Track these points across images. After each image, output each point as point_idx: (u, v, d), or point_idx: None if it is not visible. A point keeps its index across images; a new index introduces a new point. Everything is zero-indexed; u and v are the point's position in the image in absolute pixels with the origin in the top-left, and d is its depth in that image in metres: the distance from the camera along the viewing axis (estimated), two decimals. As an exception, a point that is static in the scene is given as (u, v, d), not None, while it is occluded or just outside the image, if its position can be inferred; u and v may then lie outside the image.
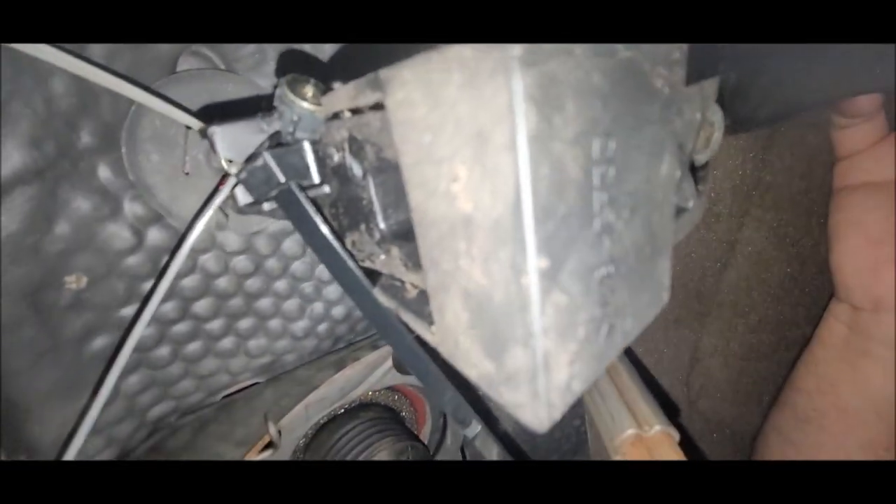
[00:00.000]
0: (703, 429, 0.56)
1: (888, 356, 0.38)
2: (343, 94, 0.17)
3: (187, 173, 0.25)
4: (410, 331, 0.20)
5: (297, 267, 0.31)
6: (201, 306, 0.29)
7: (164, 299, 0.25)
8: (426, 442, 0.41)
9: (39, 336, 0.24)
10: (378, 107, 0.16)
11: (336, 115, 0.19)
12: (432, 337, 0.17)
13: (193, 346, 0.30)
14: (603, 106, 0.11)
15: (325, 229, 0.20)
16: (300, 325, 0.33)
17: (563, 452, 0.46)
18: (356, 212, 0.20)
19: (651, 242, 0.15)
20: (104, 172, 0.23)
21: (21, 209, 0.21)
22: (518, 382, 0.12)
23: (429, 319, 0.17)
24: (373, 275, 0.21)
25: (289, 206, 0.20)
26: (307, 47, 0.26)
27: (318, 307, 0.33)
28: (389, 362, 0.33)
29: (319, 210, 0.20)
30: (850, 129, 0.38)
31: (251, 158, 0.19)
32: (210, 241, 0.28)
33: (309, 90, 0.19)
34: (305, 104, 0.19)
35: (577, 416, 0.46)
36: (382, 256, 0.20)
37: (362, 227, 0.20)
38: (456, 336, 0.15)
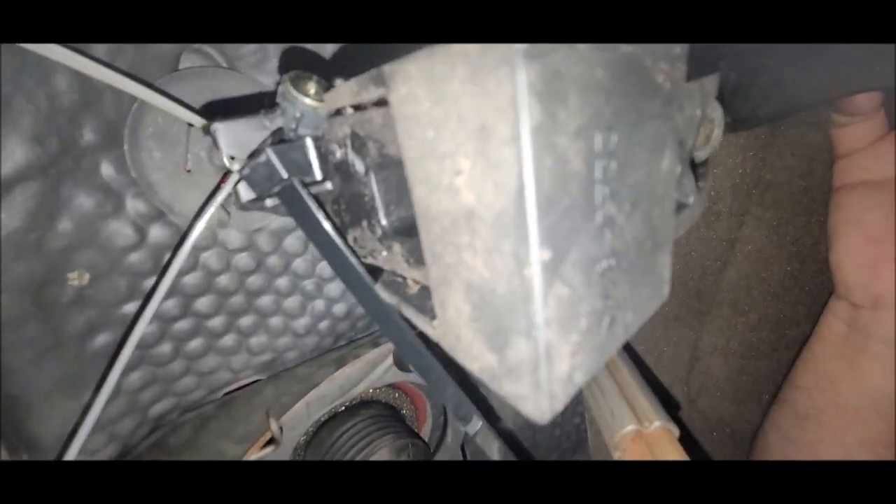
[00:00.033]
0: (703, 427, 0.56)
1: (888, 353, 0.38)
2: (346, 91, 0.17)
3: (189, 171, 0.25)
4: (412, 326, 0.20)
5: (299, 264, 0.31)
6: (203, 303, 0.29)
7: (166, 296, 0.25)
8: (427, 440, 0.41)
9: (42, 333, 0.24)
10: (381, 103, 0.16)
11: (338, 112, 0.19)
12: (434, 331, 0.17)
13: (195, 344, 0.30)
14: (605, 100, 0.11)
15: (327, 225, 0.20)
16: (301, 323, 0.33)
17: (563, 450, 0.47)
18: (358, 208, 0.20)
19: (652, 237, 0.15)
20: (107, 169, 0.23)
21: (24, 206, 0.22)
22: (520, 374, 0.13)
23: (430, 314, 0.17)
24: (374, 271, 0.21)
25: (291, 202, 0.20)
26: (309, 45, 0.26)
27: (319, 304, 0.33)
28: (390, 360, 0.34)
29: (322, 206, 0.21)
30: (850, 127, 0.38)
31: (254, 155, 0.20)
32: (212, 238, 0.28)
33: (312, 87, 0.19)
34: (308, 101, 0.19)
35: (577, 414, 0.47)
36: (384, 253, 0.20)
37: (364, 223, 0.20)
38: (458, 329, 0.15)
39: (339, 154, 0.20)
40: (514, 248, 0.11)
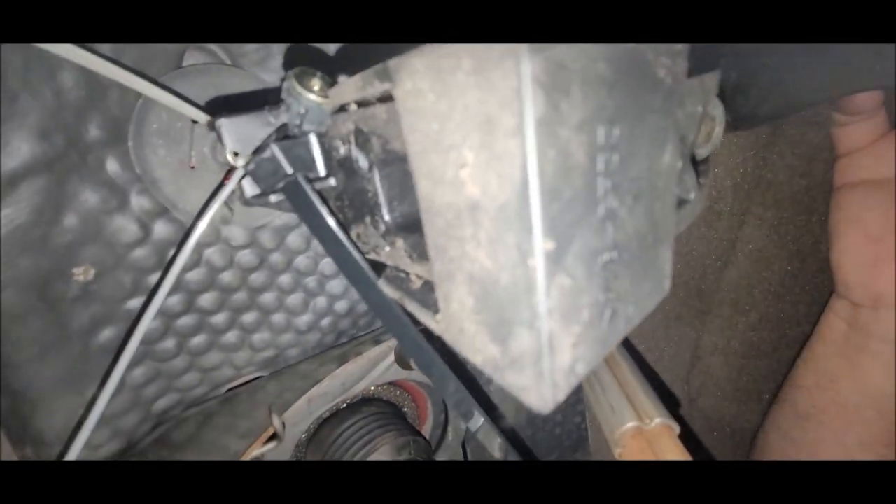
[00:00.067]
0: (703, 427, 0.56)
1: (888, 352, 0.38)
2: (350, 86, 0.17)
3: (193, 167, 0.25)
4: (415, 322, 0.20)
5: (301, 261, 0.31)
6: (206, 300, 0.29)
7: (170, 292, 0.25)
8: (427, 438, 0.41)
9: (47, 328, 0.24)
10: (385, 98, 0.17)
11: (342, 108, 0.20)
12: (437, 325, 0.17)
13: (198, 340, 0.30)
14: (608, 93, 0.11)
15: (330, 221, 0.20)
16: (303, 320, 0.33)
17: (564, 449, 0.47)
18: (361, 204, 0.20)
19: (653, 231, 0.15)
20: (112, 165, 0.24)
21: (30, 201, 0.22)
22: (523, 365, 0.13)
23: (434, 309, 0.17)
24: (378, 267, 0.21)
25: (295, 198, 0.20)
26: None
27: (321, 301, 0.33)
28: (392, 357, 0.34)
29: (325, 202, 0.21)
30: (851, 126, 0.38)
31: (259, 150, 0.20)
32: (215, 234, 0.28)
33: (316, 83, 0.19)
34: (313, 97, 0.19)
35: (578, 412, 0.47)
36: (387, 248, 0.20)
37: (367, 219, 0.20)
38: (461, 322, 0.15)
39: (342, 150, 0.20)
40: (518, 239, 0.11)
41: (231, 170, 0.21)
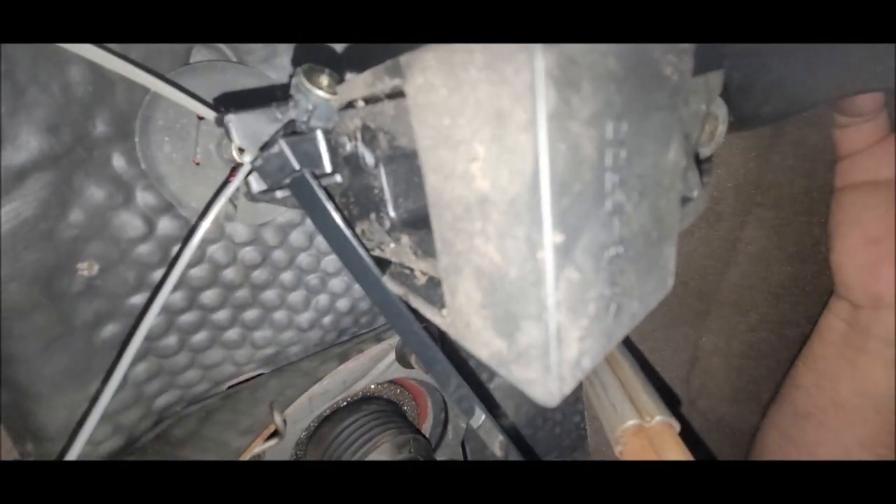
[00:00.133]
0: (703, 427, 0.56)
1: (887, 353, 0.38)
2: (359, 82, 0.17)
3: (198, 164, 0.25)
4: (420, 319, 0.21)
5: (303, 259, 0.31)
6: (208, 296, 0.29)
7: (173, 289, 0.25)
8: (427, 436, 0.41)
9: (51, 322, 0.24)
10: (394, 94, 0.17)
11: (350, 105, 0.20)
12: (443, 320, 0.17)
13: (200, 336, 0.30)
14: (617, 89, 0.12)
15: (336, 217, 0.20)
16: (305, 317, 0.33)
17: (563, 448, 0.47)
18: (367, 201, 0.21)
19: (658, 227, 0.15)
20: (118, 161, 0.24)
21: (37, 195, 0.22)
22: (529, 358, 0.13)
23: (439, 304, 0.18)
24: (382, 263, 0.21)
25: (301, 194, 0.20)
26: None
27: (323, 299, 0.33)
28: (393, 355, 0.34)
29: (331, 198, 0.21)
30: (852, 128, 0.38)
31: (266, 146, 0.20)
32: (219, 231, 0.28)
33: (324, 79, 0.19)
34: (321, 93, 0.19)
35: (577, 412, 0.47)
36: (392, 245, 0.20)
37: (372, 215, 0.21)
38: (468, 317, 0.15)
39: (348, 147, 0.20)
40: (528, 232, 0.11)
41: (236, 166, 0.21)
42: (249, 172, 0.20)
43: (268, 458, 0.32)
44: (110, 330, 0.26)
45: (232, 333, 0.31)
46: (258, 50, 0.26)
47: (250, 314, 0.31)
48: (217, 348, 0.31)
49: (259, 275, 0.30)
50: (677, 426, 0.33)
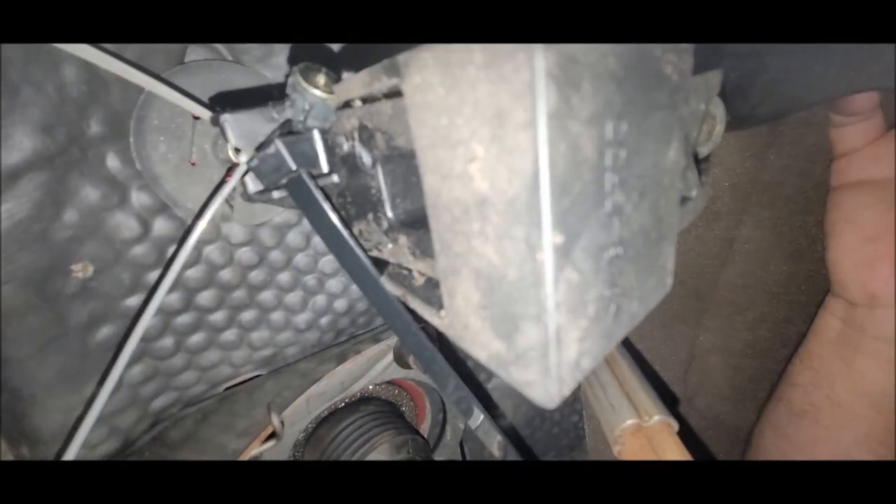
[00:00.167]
0: (700, 425, 0.56)
1: (883, 351, 0.39)
2: (356, 82, 0.17)
3: (193, 164, 0.25)
4: (418, 319, 0.20)
5: (301, 259, 0.31)
6: (205, 297, 0.29)
7: (169, 290, 0.25)
8: (426, 437, 0.41)
9: (45, 324, 0.24)
10: (391, 94, 0.17)
11: (346, 104, 0.20)
12: (441, 321, 0.17)
13: (196, 338, 0.30)
14: (617, 88, 0.12)
15: (333, 217, 0.20)
16: (302, 318, 0.33)
17: (561, 448, 0.47)
18: (364, 201, 0.20)
19: (657, 227, 0.15)
20: (112, 161, 0.23)
21: (31, 196, 0.22)
22: (528, 360, 0.13)
23: (437, 305, 0.17)
24: (380, 264, 0.21)
25: (298, 194, 0.20)
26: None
27: (320, 300, 0.33)
28: (390, 356, 0.34)
29: (328, 198, 0.21)
30: (848, 127, 0.38)
31: (263, 146, 0.20)
32: (215, 232, 0.28)
33: (321, 79, 0.19)
34: (318, 92, 0.19)
35: (576, 412, 0.47)
36: (390, 245, 0.20)
37: (370, 216, 0.20)
38: (466, 318, 0.15)
39: (345, 147, 0.20)
40: (527, 233, 0.11)
41: (232, 167, 0.21)
42: (246, 173, 0.20)
43: (265, 459, 0.31)
44: (105, 332, 0.26)
45: (229, 335, 0.31)
46: (254, 49, 0.26)
47: (247, 315, 0.31)
48: (214, 350, 0.31)
49: (256, 275, 0.30)
50: (676, 425, 0.33)
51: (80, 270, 0.24)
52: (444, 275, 0.15)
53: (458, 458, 0.41)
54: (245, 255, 0.29)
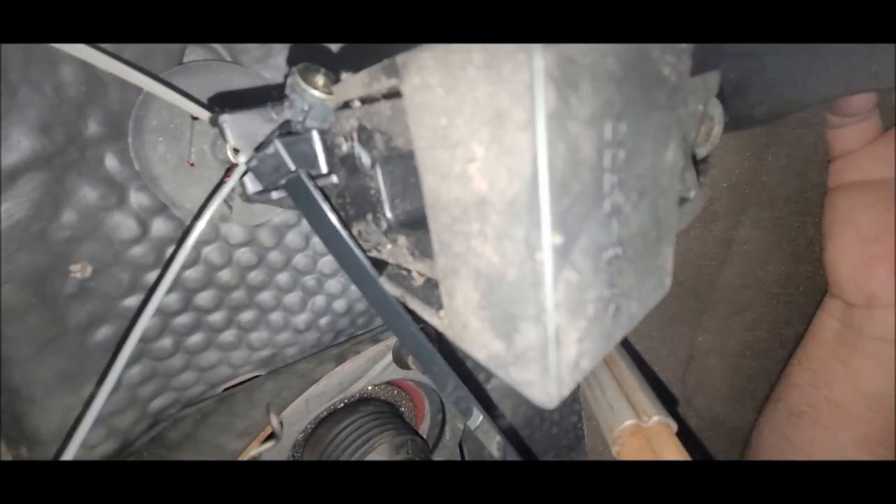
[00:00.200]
0: (699, 426, 0.56)
1: (881, 351, 0.39)
2: (356, 82, 0.17)
3: (192, 164, 0.25)
4: (417, 320, 0.20)
5: (300, 260, 0.31)
6: (204, 298, 0.29)
7: (168, 290, 0.25)
8: (425, 437, 0.41)
9: (43, 324, 0.24)
10: (390, 94, 0.17)
11: (346, 105, 0.20)
12: (440, 321, 0.17)
13: (195, 338, 0.30)
14: (616, 89, 0.12)
15: (333, 218, 0.20)
16: (302, 319, 0.33)
17: (560, 448, 0.47)
18: (363, 201, 0.20)
19: (656, 227, 0.15)
20: (111, 161, 0.23)
21: (29, 196, 0.22)
22: (528, 360, 0.13)
23: (436, 305, 0.17)
24: (379, 264, 0.21)
25: (298, 195, 0.20)
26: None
27: (319, 300, 0.33)
28: (389, 357, 0.34)
29: (327, 199, 0.21)
30: (845, 128, 0.38)
31: (262, 146, 0.20)
32: (214, 232, 0.28)
33: (320, 79, 0.19)
34: (317, 93, 0.19)
35: (575, 412, 0.47)
36: (389, 246, 0.20)
37: (369, 216, 0.20)
38: (465, 318, 0.15)
39: (345, 147, 0.20)
40: (526, 233, 0.11)
41: (231, 167, 0.21)
42: (244, 173, 0.20)
43: (264, 460, 0.31)
44: (104, 332, 0.26)
45: (227, 335, 0.31)
46: (253, 49, 0.26)
47: (246, 316, 0.31)
48: (212, 350, 0.31)
49: (255, 276, 0.30)
50: (674, 426, 0.33)
51: (79, 271, 0.24)
52: (444, 275, 0.15)
53: (458, 458, 0.41)
54: (244, 255, 0.29)
